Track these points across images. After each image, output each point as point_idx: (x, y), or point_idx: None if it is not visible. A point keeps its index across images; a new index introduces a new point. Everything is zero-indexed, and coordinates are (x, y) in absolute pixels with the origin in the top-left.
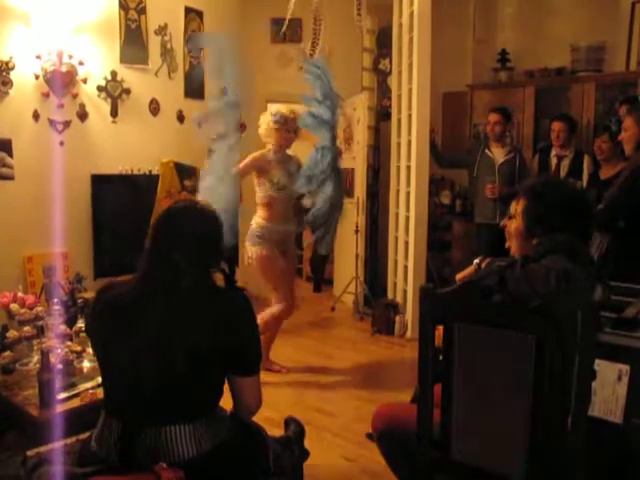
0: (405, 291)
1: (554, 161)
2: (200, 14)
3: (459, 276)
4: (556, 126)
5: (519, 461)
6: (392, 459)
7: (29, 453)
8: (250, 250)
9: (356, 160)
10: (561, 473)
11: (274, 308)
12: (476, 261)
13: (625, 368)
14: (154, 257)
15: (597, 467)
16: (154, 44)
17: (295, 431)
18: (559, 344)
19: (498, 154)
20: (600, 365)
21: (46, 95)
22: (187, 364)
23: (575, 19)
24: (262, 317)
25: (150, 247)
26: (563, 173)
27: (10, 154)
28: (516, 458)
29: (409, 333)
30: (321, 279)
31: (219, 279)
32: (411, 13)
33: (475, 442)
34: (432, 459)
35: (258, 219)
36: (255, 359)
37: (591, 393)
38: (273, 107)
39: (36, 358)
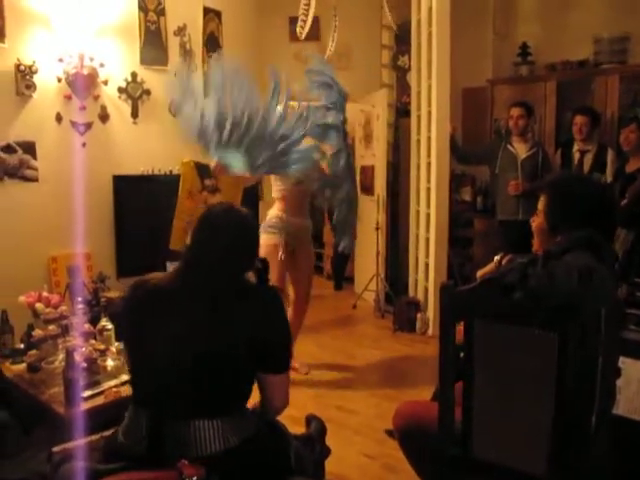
0: (426, 288)
1: (577, 156)
2: (219, 14)
3: (480, 273)
4: (578, 120)
5: (542, 459)
6: (413, 456)
7: (55, 449)
8: (263, 241)
9: (376, 157)
10: (585, 471)
11: None
12: (497, 258)
13: None
14: (193, 256)
15: (622, 465)
16: (173, 45)
17: (316, 428)
18: (582, 341)
19: (520, 149)
20: (625, 363)
21: (68, 97)
22: (219, 360)
23: (597, 10)
24: None
25: (189, 246)
26: (586, 168)
27: (34, 156)
28: (539, 456)
29: (430, 330)
30: (342, 277)
31: (250, 275)
32: (430, 8)
33: (497, 440)
34: (453, 457)
35: (274, 210)
36: (285, 357)
37: (616, 391)
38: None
39: (61, 356)
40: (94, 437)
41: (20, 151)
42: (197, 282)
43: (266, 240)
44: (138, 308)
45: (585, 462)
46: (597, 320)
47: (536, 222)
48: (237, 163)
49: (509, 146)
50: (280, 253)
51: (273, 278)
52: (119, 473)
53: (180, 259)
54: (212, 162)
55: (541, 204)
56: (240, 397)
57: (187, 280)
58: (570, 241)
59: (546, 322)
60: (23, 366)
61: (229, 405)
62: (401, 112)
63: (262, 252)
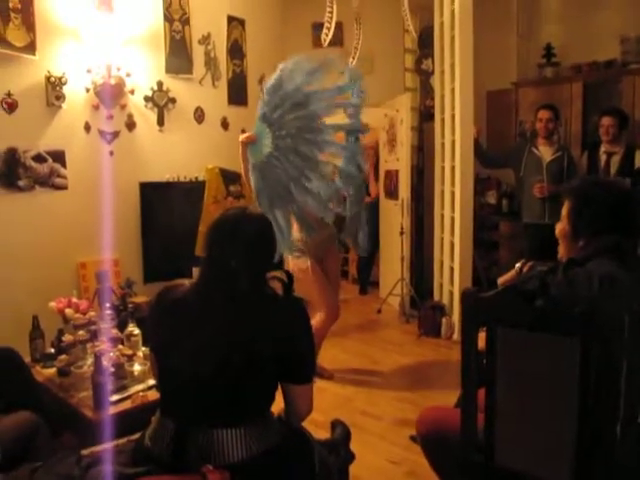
0: (451, 292)
1: (604, 158)
2: (242, 22)
3: (501, 280)
4: (605, 121)
5: (565, 468)
6: (437, 463)
7: (83, 452)
8: (291, 262)
9: (400, 161)
10: None
11: (318, 317)
12: (518, 265)
13: None
14: (211, 263)
15: None
16: (198, 53)
17: (341, 434)
18: (604, 349)
19: (545, 152)
20: None
21: (96, 107)
22: (242, 369)
23: (623, 9)
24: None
25: (206, 254)
26: (613, 170)
27: (64, 165)
28: (562, 465)
29: (456, 335)
30: (367, 281)
31: (277, 287)
32: (452, 12)
33: (520, 448)
34: (476, 464)
35: (295, 232)
36: (309, 368)
37: None
38: None
39: (90, 361)
40: (121, 441)
41: (50, 160)
42: (218, 290)
43: (296, 264)
44: (163, 317)
45: (611, 471)
46: (620, 327)
47: (559, 228)
48: (267, 142)
49: (534, 149)
50: (315, 270)
51: (316, 291)
52: (145, 477)
53: (200, 263)
54: (248, 133)
55: (565, 209)
56: (263, 406)
57: (209, 288)
58: (593, 248)
59: (568, 329)
60: (53, 370)
61: (252, 413)
62: (425, 116)
63: (297, 275)
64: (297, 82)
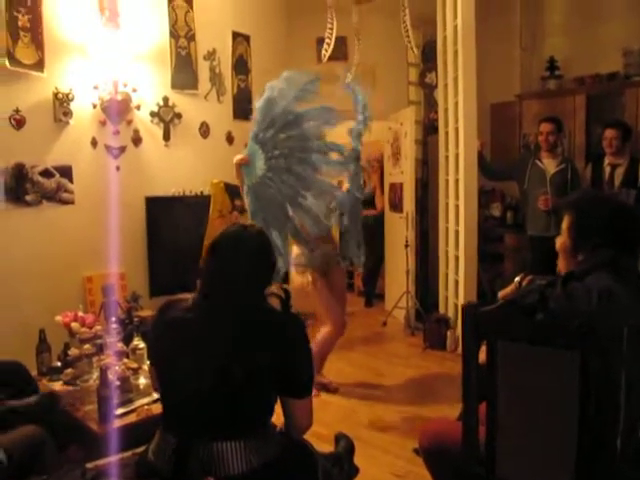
0: (456, 305)
1: (607, 170)
2: (247, 38)
3: (501, 294)
4: (609, 133)
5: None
6: (439, 476)
7: (88, 466)
8: (295, 279)
9: (404, 174)
10: None
11: (325, 331)
12: (517, 279)
13: None
14: (211, 278)
15: None
16: (203, 69)
17: (345, 447)
18: (604, 362)
19: (549, 165)
20: None
21: (103, 123)
22: (241, 383)
23: (626, 22)
24: (316, 342)
25: (207, 269)
26: (617, 182)
27: (71, 180)
28: (564, 477)
29: (460, 348)
30: (372, 294)
31: (275, 303)
32: (455, 26)
33: (521, 461)
34: (477, 476)
35: (297, 248)
36: (307, 383)
37: None
38: None
39: (96, 375)
40: (126, 454)
41: (57, 175)
42: (217, 305)
43: (299, 279)
44: (164, 332)
45: None
46: (618, 341)
47: (560, 241)
48: (259, 164)
49: (538, 162)
50: (319, 284)
51: (321, 305)
52: None
53: (199, 282)
54: (241, 154)
55: (565, 223)
56: (262, 419)
57: (208, 303)
58: (592, 263)
59: (567, 343)
60: (60, 383)
61: (251, 427)
62: (429, 129)
63: (302, 289)
64: (288, 100)
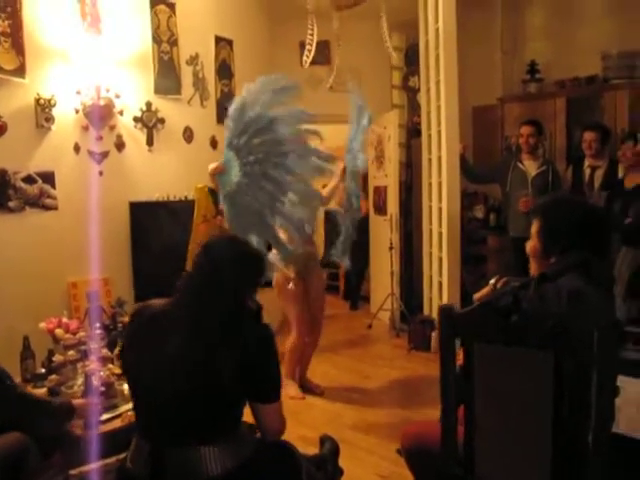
0: None
1: (587, 172)
2: (230, 42)
3: (477, 296)
4: (588, 136)
5: (544, 478)
6: (420, 476)
7: (72, 472)
8: (276, 273)
9: (388, 177)
10: None
11: (290, 341)
12: (492, 281)
13: None
14: (191, 285)
15: None
16: (186, 74)
17: (330, 449)
18: (575, 362)
19: (530, 167)
20: (624, 382)
21: (85, 128)
22: (209, 390)
23: (605, 27)
24: (284, 349)
25: (189, 273)
26: (597, 184)
27: (53, 185)
28: (540, 476)
29: None
30: (358, 297)
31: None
32: (436, 30)
33: (499, 460)
34: (456, 477)
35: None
36: (275, 389)
37: (614, 410)
38: None
39: (80, 381)
40: (109, 460)
41: (40, 181)
42: (193, 313)
43: (276, 276)
44: (133, 338)
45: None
46: (589, 340)
47: (530, 245)
48: (234, 171)
49: (519, 164)
50: (290, 285)
51: (288, 311)
52: None
53: (178, 286)
54: (215, 163)
55: (534, 227)
56: (232, 423)
57: (183, 311)
58: (563, 264)
59: (540, 343)
60: (44, 390)
61: (222, 431)
62: (413, 132)
63: (276, 290)
64: (261, 105)
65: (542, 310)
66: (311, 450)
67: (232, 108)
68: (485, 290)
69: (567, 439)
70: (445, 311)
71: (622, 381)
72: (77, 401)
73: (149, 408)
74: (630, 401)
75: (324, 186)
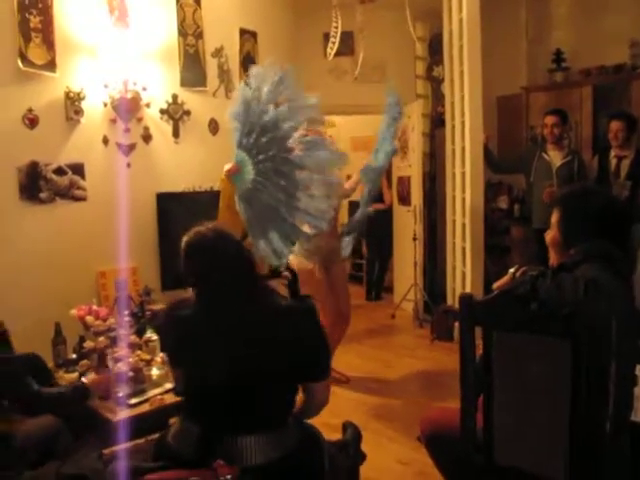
0: None
1: (614, 162)
2: (254, 35)
3: (496, 285)
4: (614, 125)
5: (561, 465)
6: (440, 462)
7: (104, 451)
8: (294, 261)
9: (412, 168)
10: (604, 477)
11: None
12: (511, 270)
13: None
14: (201, 281)
15: None
16: (211, 66)
17: (352, 435)
18: (593, 350)
19: (555, 157)
20: None
21: (113, 121)
22: (260, 377)
23: (633, 13)
24: None
25: (195, 274)
26: (623, 174)
27: (83, 177)
28: (558, 462)
29: None
30: (381, 287)
31: (282, 289)
32: (460, 20)
33: (518, 447)
34: (476, 462)
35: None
36: (325, 365)
37: (632, 399)
38: None
39: (110, 366)
40: (139, 441)
41: (70, 172)
42: (223, 305)
43: (300, 265)
44: (177, 334)
45: (602, 468)
46: (607, 329)
47: (550, 235)
48: (248, 169)
49: (544, 154)
50: (318, 277)
51: (317, 298)
52: (160, 471)
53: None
54: (230, 164)
55: (554, 218)
56: (281, 412)
57: (215, 303)
58: (583, 253)
59: (558, 332)
60: (75, 375)
61: (271, 420)
62: (437, 122)
63: (300, 278)
64: (263, 101)
65: (559, 298)
66: (334, 436)
67: (235, 107)
68: (504, 279)
69: (585, 427)
70: (465, 299)
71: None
72: (89, 378)
73: (201, 395)
74: None
75: (348, 177)
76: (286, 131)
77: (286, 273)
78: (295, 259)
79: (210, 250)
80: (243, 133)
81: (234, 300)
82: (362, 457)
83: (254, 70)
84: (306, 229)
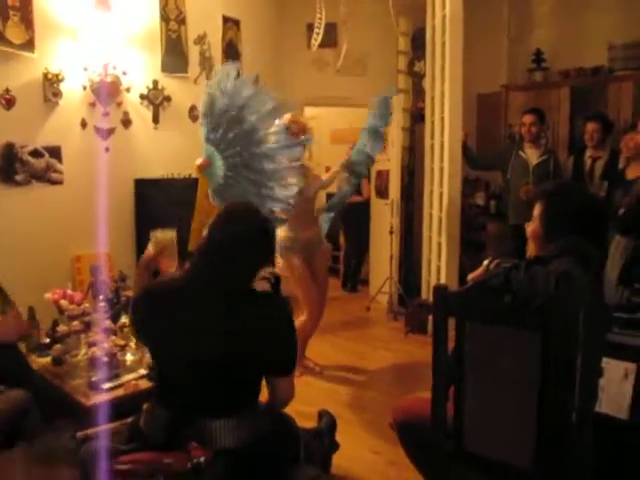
0: None
1: (588, 162)
2: (237, 23)
3: (470, 277)
4: (590, 126)
5: (528, 453)
6: (410, 449)
7: (78, 434)
8: (280, 260)
9: (391, 162)
10: (568, 465)
11: (301, 319)
12: (485, 262)
13: (631, 367)
14: (208, 254)
15: (604, 461)
16: (193, 53)
17: (327, 423)
18: (562, 343)
19: (532, 156)
20: (608, 363)
21: (92, 104)
22: (228, 363)
23: (612, 16)
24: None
25: (205, 244)
26: (597, 174)
27: (60, 160)
28: (525, 450)
29: None
30: (357, 280)
31: (264, 286)
32: (443, 16)
33: (487, 434)
34: (447, 450)
35: (282, 232)
36: (292, 362)
37: (597, 390)
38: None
39: (83, 351)
40: (114, 424)
41: (47, 155)
42: (210, 280)
43: (284, 262)
44: (152, 310)
45: (568, 456)
46: (575, 321)
47: (531, 228)
48: (218, 164)
49: (521, 152)
50: (300, 271)
51: (300, 293)
52: (136, 452)
53: (195, 254)
54: (201, 158)
55: (537, 211)
56: (250, 397)
57: (201, 279)
58: (559, 247)
59: (528, 323)
60: (48, 359)
61: (240, 404)
62: (417, 117)
63: (283, 274)
64: (228, 96)
65: (530, 291)
66: (309, 425)
67: (202, 104)
68: (478, 271)
69: (552, 417)
70: (439, 290)
71: (606, 362)
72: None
73: (170, 378)
74: (613, 382)
75: (327, 169)
76: (251, 124)
77: (269, 275)
78: (280, 257)
79: (232, 225)
80: (209, 128)
81: (228, 282)
82: (336, 446)
83: (218, 69)
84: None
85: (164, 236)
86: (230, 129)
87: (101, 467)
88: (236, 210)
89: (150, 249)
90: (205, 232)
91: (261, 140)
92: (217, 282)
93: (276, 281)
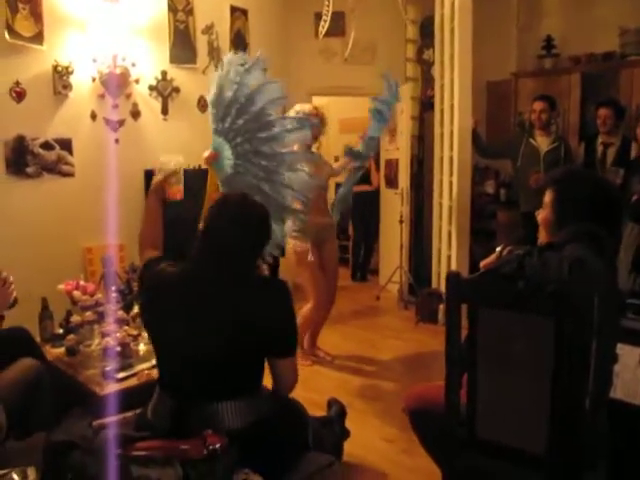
0: None
1: (600, 149)
2: (245, 12)
3: (483, 263)
4: (602, 112)
5: (542, 439)
6: (422, 435)
7: (93, 423)
8: (290, 242)
9: (400, 151)
10: (582, 451)
11: (307, 307)
12: (498, 249)
13: None
14: (207, 241)
15: (619, 446)
16: (201, 43)
17: (336, 411)
18: (576, 328)
19: (543, 143)
20: (623, 349)
21: (102, 96)
22: (234, 346)
23: (623, 2)
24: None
25: (204, 232)
26: (609, 161)
27: (70, 152)
28: (539, 437)
29: None
30: (367, 269)
31: (264, 270)
32: (452, 3)
33: (500, 421)
34: (460, 437)
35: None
36: (291, 343)
37: (612, 376)
38: (297, 105)
39: (97, 341)
40: (127, 414)
41: (57, 147)
42: (210, 268)
43: (295, 246)
44: (155, 295)
45: (582, 442)
46: (589, 307)
47: (542, 215)
48: (227, 154)
49: (531, 140)
50: (309, 256)
51: (307, 280)
52: (150, 440)
53: (194, 244)
54: (208, 151)
55: (547, 197)
56: (255, 380)
57: (199, 265)
58: (571, 233)
59: (542, 309)
60: (62, 349)
61: (243, 387)
62: (426, 105)
63: (293, 258)
64: (237, 84)
65: (544, 277)
66: (319, 413)
67: (210, 95)
68: (491, 258)
69: (566, 403)
70: (452, 277)
71: (620, 348)
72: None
73: (173, 365)
74: (627, 368)
75: (336, 159)
76: (261, 107)
77: (268, 258)
78: (291, 239)
79: (233, 211)
80: (218, 118)
81: (229, 266)
82: (347, 433)
83: (226, 58)
84: (294, 205)
85: (169, 160)
86: (239, 116)
87: (118, 454)
88: (232, 197)
89: (158, 175)
90: (203, 220)
91: (270, 123)
92: (215, 267)
93: (275, 264)
